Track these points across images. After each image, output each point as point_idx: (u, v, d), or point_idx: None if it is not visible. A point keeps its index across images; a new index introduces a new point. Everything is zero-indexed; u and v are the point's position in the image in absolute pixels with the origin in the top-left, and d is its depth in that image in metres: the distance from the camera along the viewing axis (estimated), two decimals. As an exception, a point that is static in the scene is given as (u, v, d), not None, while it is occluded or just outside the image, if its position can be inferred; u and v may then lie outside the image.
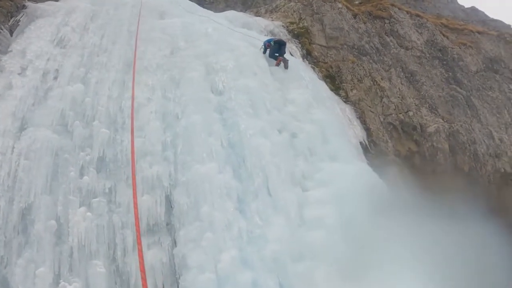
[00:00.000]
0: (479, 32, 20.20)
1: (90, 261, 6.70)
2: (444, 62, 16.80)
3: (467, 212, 10.19)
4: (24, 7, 10.86)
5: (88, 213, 7.07)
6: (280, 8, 17.03)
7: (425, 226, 8.48)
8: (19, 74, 8.69)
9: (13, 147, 7.29)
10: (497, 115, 16.49)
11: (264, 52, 11.92)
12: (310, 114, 10.11)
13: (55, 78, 8.89)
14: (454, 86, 16.00)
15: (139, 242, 4.92)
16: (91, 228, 6.93)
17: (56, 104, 8.19)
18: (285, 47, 11.87)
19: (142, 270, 4.26)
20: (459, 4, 29.45)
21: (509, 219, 12.64)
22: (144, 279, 4.18)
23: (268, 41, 12.00)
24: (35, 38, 9.87)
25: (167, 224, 7.68)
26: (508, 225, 11.86)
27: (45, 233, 6.55)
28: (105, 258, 6.89)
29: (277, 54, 11.68)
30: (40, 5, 11.20)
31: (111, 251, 7.05)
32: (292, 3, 16.63)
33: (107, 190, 7.51)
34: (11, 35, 9.96)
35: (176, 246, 7.38)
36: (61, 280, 6.33)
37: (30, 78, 8.63)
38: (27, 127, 7.68)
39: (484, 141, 14.61)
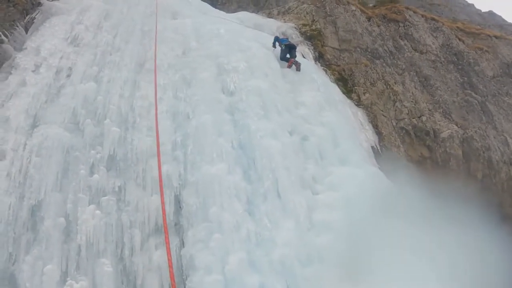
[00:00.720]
0: (496, 37, 19.87)
1: (98, 259, 6.71)
2: (460, 67, 16.56)
3: (479, 219, 10.00)
4: (39, 4, 10.98)
5: (97, 211, 7.09)
6: (293, 10, 16.97)
7: (435, 232, 8.34)
8: (33, 71, 8.78)
9: (25, 144, 7.36)
10: (513, 121, 16.18)
11: (274, 45, 11.89)
12: (321, 117, 10.04)
13: (68, 76, 8.97)
14: (469, 91, 15.75)
15: (166, 236, 5.05)
16: (100, 226, 6.95)
17: (68, 102, 8.25)
18: (295, 51, 11.85)
19: (170, 265, 4.35)
20: (476, 8, 29.12)
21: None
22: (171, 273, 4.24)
23: (281, 40, 11.98)
24: (49, 35, 9.98)
25: (175, 224, 7.66)
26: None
27: (54, 230, 6.59)
28: (113, 257, 6.90)
29: (288, 56, 11.64)
30: (55, 2, 11.33)
31: (118, 250, 7.05)
32: (305, 5, 16.56)
33: (116, 189, 7.53)
34: (26, 33, 10.07)
35: (184, 246, 7.36)
36: (68, 278, 6.34)
37: (43, 75, 8.72)
38: (39, 124, 7.75)
39: (499, 148, 14.34)
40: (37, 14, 10.70)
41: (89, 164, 7.56)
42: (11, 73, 8.49)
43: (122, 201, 7.49)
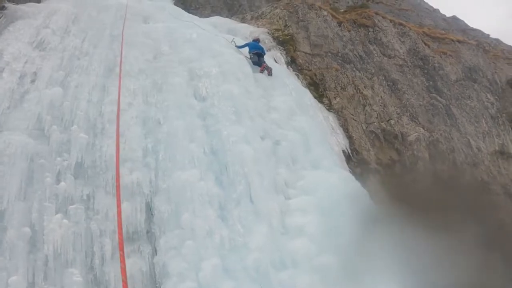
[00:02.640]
0: (459, 41, 20.66)
1: (66, 269, 6.50)
2: (425, 71, 17.11)
3: (446, 221, 10.27)
4: (3, 8, 10.59)
5: (65, 220, 6.85)
6: (266, 15, 17.04)
7: (405, 234, 8.50)
8: (-5, 76, 8.43)
9: (-14, 152, 7.02)
10: (475, 124, 16.85)
11: (238, 47, 12.08)
12: (293, 122, 10.11)
13: (33, 81, 8.66)
14: (435, 95, 16.29)
15: (121, 248, 4.79)
16: (68, 235, 6.72)
17: (32, 107, 7.97)
18: (263, 58, 11.94)
19: (124, 280, 4.13)
20: (441, 13, 30.04)
21: (486, 228, 12.82)
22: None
23: (250, 46, 12.03)
24: (13, 40, 9.62)
25: (147, 232, 7.53)
26: (484, 234, 12.02)
27: (18, 240, 6.32)
28: (82, 266, 6.69)
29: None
30: (20, 6, 10.94)
31: (88, 260, 6.85)
32: (278, 10, 16.65)
33: (85, 197, 7.32)
34: (-12, 37, 9.68)
35: (156, 254, 7.24)
36: (35, 289, 6.09)
37: (6, 80, 8.39)
38: (1, 131, 7.45)
39: (463, 150, 14.89)
40: (0, 18, 10.32)
41: (56, 171, 7.32)
42: (-30, 78, 8.12)
43: (91, 210, 7.28)
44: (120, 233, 5.26)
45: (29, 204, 6.77)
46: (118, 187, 6.15)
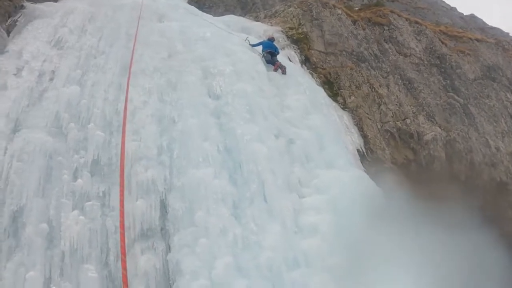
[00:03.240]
0: (477, 40, 20.20)
1: (82, 265, 6.55)
2: (442, 70, 16.80)
3: (463, 220, 10.12)
4: (22, 7, 10.78)
5: (81, 217, 6.92)
6: (280, 14, 16.98)
7: (420, 234, 8.40)
8: (14, 74, 8.58)
9: (6, 149, 7.16)
10: (494, 123, 16.47)
11: (252, 45, 12.06)
12: (307, 120, 10.06)
13: (51, 79, 8.79)
14: (452, 94, 15.99)
15: (123, 253, 4.87)
16: (84, 232, 6.79)
17: (51, 106, 8.09)
18: (276, 58, 11.91)
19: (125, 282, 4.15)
20: (458, 11, 29.52)
21: (504, 228, 12.57)
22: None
23: (264, 44, 12.02)
24: (32, 38, 9.78)
25: (161, 229, 7.55)
26: (503, 234, 11.80)
27: (36, 236, 6.41)
28: (97, 262, 6.75)
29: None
30: (38, 5, 11.12)
31: (103, 256, 6.90)
32: (292, 9, 16.57)
33: (101, 194, 7.37)
34: (8, 35, 9.87)
35: (170, 251, 7.26)
36: (51, 285, 6.19)
37: (25, 79, 8.53)
38: (21, 129, 7.57)
39: (481, 150, 14.58)
40: (19, 16, 10.50)
41: (73, 169, 7.40)
42: (-9, 77, 8.30)
43: (107, 206, 7.33)
44: (123, 240, 5.41)
45: (47, 201, 6.86)
46: (122, 186, 6.17)
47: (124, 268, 4.51)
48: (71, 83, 8.78)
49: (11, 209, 6.55)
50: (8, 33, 9.91)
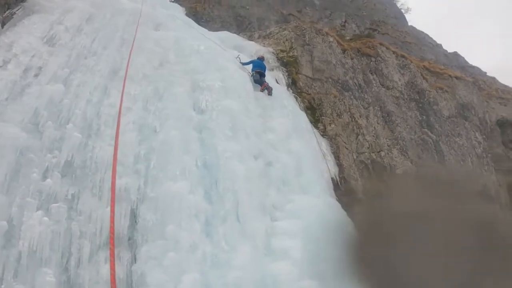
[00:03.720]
0: (456, 77, 20.36)
1: (40, 268, 5.89)
2: (420, 105, 16.77)
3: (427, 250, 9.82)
4: (23, 0, 10.13)
5: (45, 218, 6.26)
6: (274, 35, 16.70)
7: (387, 265, 8.04)
8: (0, 66, 7.92)
9: (-24, 141, 6.50)
10: (461, 162, 16.49)
11: (243, 63, 11.75)
12: (288, 144, 9.68)
13: (36, 75, 8.14)
14: (426, 130, 15.93)
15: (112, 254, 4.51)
16: (46, 234, 6.12)
17: (31, 101, 7.44)
18: (264, 77, 11.59)
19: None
20: (443, 48, 29.87)
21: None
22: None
23: (254, 63, 11.71)
24: (26, 33, 9.14)
25: (129, 239, 6.98)
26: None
27: (-7, 233, 5.74)
28: (57, 267, 6.10)
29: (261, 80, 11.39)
30: (40, 0, 10.47)
31: (64, 261, 6.26)
32: (286, 32, 16.30)
33: (69, 197, 6.74)
34: (2, 27, 9.21)
35: (135, 262, 6.69)
36: (3, 286, 5.53)
37: (10, 72, 7.85)
38: (-5, 122, 6.92)
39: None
40: (18, 9, 9.85)
41: (43, 168, 6.75)
42: (-24, 67, 7.65)
43: (74, 210, 6.70)
44: (112, 239, 4.98)
45: (10, 198, 6.19)
46: (113, 191, 5.74)
47: (113, 268, 4.24)
48: (56, 81, 8.15)
49: (-30, 203, 5.87)
50: (3, 24, 9.25)
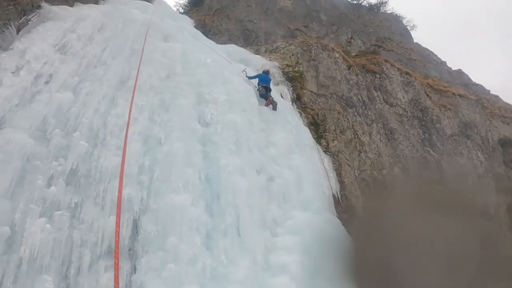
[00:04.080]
0: (460, 95, 20.24)
1: (40, 275, 5.92)
2: (423, 123, 16.71)
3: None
4: (39, 7, 10.23)
5: (48, 225, 6.30)
6: (280, 50, 16.79)
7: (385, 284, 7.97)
8: (12, 72, 8.00)
9: (-16, 146, 6.55)
10: (462, 181, 16.33)
11: (249, 77, 11.80)
12: (290, 160, 9.68)
13: (47, 82, 8.24)
14: (428, 149, 15.87)
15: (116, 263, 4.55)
16: (47, 241, 6.16)
17: (40, 108, 7.52)
18: (270, 92, 11.65)
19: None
20: (447, 66, 29.76)
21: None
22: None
23: (260, 77, 11.77)
24: (39, 40, 9.25)
25: (129, 249, 7.00)
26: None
27: (-5, 238, 5.76)
28: (57, 274, 6.13)
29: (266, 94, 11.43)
30: (54, 8, 10.60)
31: (64, 268, 6.28)
32: (292, 47, 16.37)
33: (72, 205, 6.79)
34: (17, 33, 9.31)
35: (135, 273, 6.70)
36: (1, 291, 5.55)
37: (21, 78, 7.95)
38: (4, 127, 6.97)
39: (448, 207, 14.32)
40: (34, 16, 9.95)
41: (48, 175, 6.80)
42: (-11, 72, 7.73)
43: (77, 218, 6.74)
44: (117, 253, 5.06)
45: (14, 204, 6.23)
46: (119, 206, 5.68)
47: (117, 282, 4.26)
48: (66, 89, 8.24)
49: (-26, 207, 5.90)
50: (18, 30, 9.37)
